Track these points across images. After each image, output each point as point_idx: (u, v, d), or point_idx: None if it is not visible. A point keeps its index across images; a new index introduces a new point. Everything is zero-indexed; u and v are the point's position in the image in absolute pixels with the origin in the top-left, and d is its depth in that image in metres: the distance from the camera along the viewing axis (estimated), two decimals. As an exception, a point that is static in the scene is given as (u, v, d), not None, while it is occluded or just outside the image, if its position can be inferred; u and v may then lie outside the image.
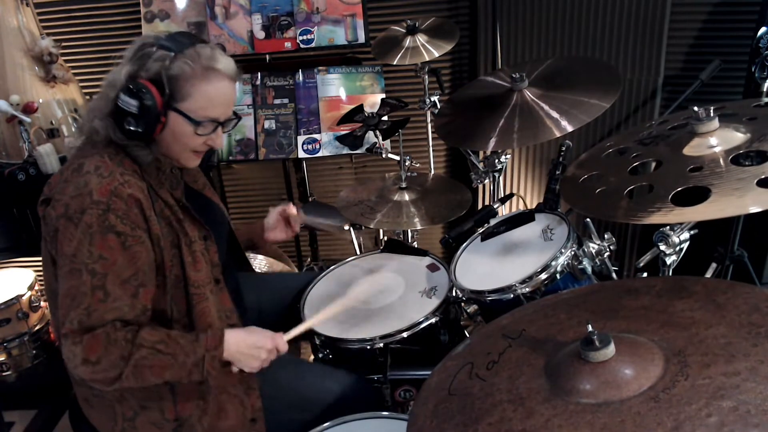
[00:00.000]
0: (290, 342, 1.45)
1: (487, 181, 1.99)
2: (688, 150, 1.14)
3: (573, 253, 1.42)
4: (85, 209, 1.23)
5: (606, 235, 1.38)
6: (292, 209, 1.79)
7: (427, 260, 1.81)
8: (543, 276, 1.42)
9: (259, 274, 2.12)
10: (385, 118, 2.16)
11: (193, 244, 1.37)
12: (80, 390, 1.42)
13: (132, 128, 1.28)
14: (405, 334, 1.54)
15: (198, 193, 1.56)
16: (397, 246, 1.95)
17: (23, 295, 2.36)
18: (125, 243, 1.25)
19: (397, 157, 2.05)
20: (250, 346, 1.36)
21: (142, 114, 1.26)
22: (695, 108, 1.15)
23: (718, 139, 1.13)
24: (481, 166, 1.99)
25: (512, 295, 1.44)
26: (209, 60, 1.30)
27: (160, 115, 1.28)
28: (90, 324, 1.21)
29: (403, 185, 1.98)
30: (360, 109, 2.28)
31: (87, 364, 1.21)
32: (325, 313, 1.54)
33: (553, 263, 1.43)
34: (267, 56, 2.56)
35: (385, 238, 2.37)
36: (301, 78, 2.53)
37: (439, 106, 2.28)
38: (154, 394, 1.36)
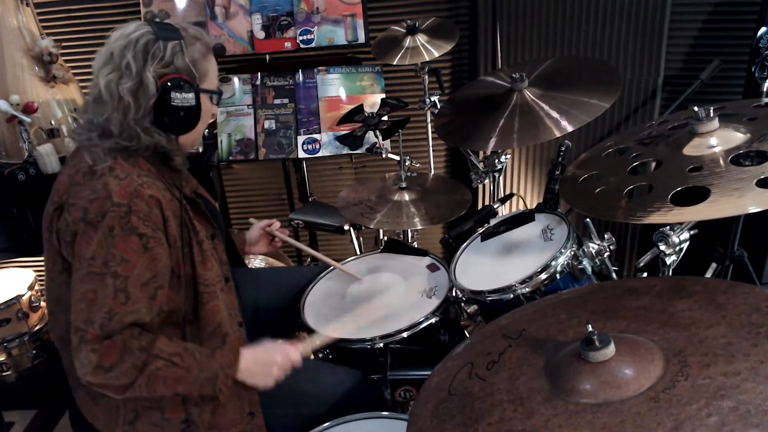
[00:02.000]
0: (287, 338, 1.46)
1: (487, 181, 1.98)
2: (688, 150, 1.14)
3: (573, 253, 1.42)
4: (106, 212, 1.22)
5: (606, 235, 1.38)
6: (276, 224, 1.82)
7: (427, 260, 1.81)
8: (543, 276, 1.42)
9: (255, 270, 2.10)
10: (385, 118, 2.16)
11: (203, 243, 1.38)
12: (84, 388, 1.42)
13: (184, 123, 1.32)
14: (405, 334, 1.54)
15: (196, 193, 1.57)
16: (397, 246, 1.95)
17: (23, 295, 2.36)
18: (147, 245, 1.24)
19: (397, 157, 2.05)
20: (260, 364, 1.37)
21: (195, 104, 1.31)
22: (695, 108, 1.15)
23: (718, 139, 1.13)
24: (481, 166, 1.99)
25: (512, 295, 1.44)
26: (202, 36, 1.37)
27: (200, 101, 1.34)
28: (111, 327, 1.21)
29: (403, 185, 1.99)
30: (360, 109, 2.28)
31: (99, 370, 1.21)
32: (341, 330, 1.56)
33: (553, 263, 1.43)
34: (267, 56, 2.56)
35: (385, 238, 2.37)
36: (301, 78, 2.53)
37: (439, 106, 2.28)
38: None
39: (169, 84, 1.27)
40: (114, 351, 1.21)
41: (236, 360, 1.33)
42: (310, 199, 2.72)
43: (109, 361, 1.21)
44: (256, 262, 2.37)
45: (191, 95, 1.29)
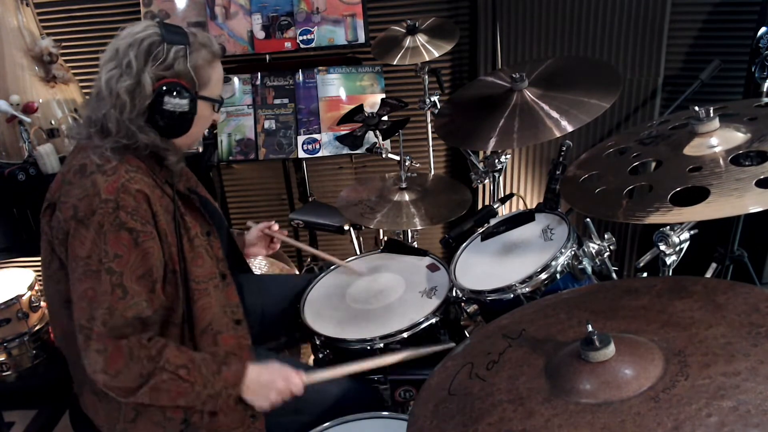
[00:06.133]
0: (291, 346, 1.44)
1: (487, 181, 1.98)
2: (688, 150, 1.14)
3: (573, 253, 1.42)
4: (95, 210, 1.23)
5: (606, 235, 1.38)
6: (275, 227, 1.83)
7: (427, 260, 1.81)
8: (543, 276, 1.42)
9: (261, 276, 2.11)
10: (385, 118, 2.16)
11: (195, 239, 1.37)
12: (89, 385, 1.41)
13: (176, 127, 1.32)
14: (405, 335, 1.54)
15: (193, 190, 1.57)
16: (397, 246, 1.95)
17: (23, 295, 2.36)
18: (137, 239, 1.25)
19: (397, 157, 2.05)
20: (262, 385, 1.37)
21: (189, 110, 1.30)
22: (695, 108, 1.15)
23: (718, 139, 1.13)
24: (481, 166, 1.99)
25: (512, 295, 1.43)
26: (211, 44, 1.37)
27: (196, 107, 1.33)
28: (113, 323, 1.22)
29: (403, 185, 1.98)
30: (360, 109, 2.28)
31: (106, 375, 1.22)
32: (350, 368, 1.47)
33: (553, 263, 1.42)
34: (267, 56, 2.56)
35: (385, 238, 2.37)
36: (301, 78, 2.53)
37: (439, 106, 2.28)
38: None
39: (164, 88, 1.27)
40: (120, 357, 1.22)
41: (242, 380, 1.33)
42: (310, 199, 2.72)
43: (115, 368, 1.22)
44: (256, 261, 2.37)
45: (185, 101, 1.29)
